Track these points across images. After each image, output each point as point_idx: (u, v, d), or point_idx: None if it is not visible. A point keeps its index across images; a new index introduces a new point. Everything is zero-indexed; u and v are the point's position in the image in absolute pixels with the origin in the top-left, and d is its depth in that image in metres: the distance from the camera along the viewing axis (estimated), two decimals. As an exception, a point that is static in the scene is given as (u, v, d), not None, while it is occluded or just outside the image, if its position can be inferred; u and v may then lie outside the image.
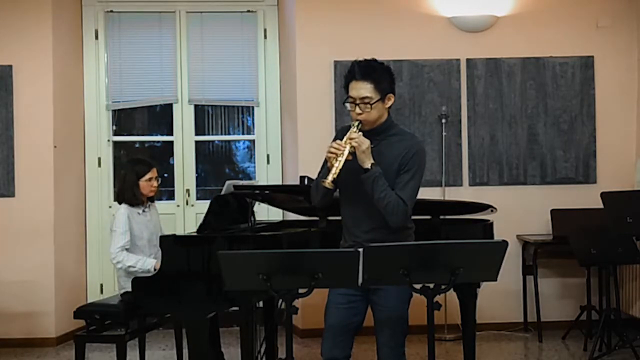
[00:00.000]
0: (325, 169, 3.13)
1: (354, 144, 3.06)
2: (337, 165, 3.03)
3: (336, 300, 3.21)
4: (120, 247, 4.45)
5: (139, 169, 4.60)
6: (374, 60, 3.19)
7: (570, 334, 5.81)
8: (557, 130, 6.21)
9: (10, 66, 5.98)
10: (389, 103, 3.20)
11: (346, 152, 3.05)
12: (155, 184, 4.64)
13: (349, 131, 3.12)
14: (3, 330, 5.90)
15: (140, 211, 4.63)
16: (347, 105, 3.18)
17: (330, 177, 3.03)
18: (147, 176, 4.60)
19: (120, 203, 4.62)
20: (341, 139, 3.11)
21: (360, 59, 3.20)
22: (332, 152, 3.05)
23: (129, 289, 4.32)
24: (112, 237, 4.52)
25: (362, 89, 3.12)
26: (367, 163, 3.08)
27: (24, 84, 5.99)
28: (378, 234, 3.14)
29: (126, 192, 4.57)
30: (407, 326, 3.24)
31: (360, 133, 3.10)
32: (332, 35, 6.13)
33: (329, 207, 3.38)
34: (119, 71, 6.58)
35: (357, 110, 3.13)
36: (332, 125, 6.04)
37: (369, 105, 3.12)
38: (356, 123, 3.12)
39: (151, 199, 4.74)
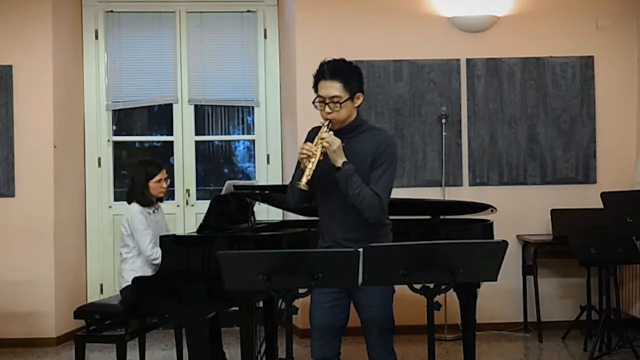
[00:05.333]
0: (299, 171, 3.15)
1: (324, 144, 3.08)
2: (310, 167, 3.05)
3: (320, 300, 3.23)
4: (150, 243, 4.49)
5: (149, 170, 4.66)
6: (343, 60, 3.23)
7: (570, 334, 5.81)
8: (557, 130, 6.21)
9: (10, 66, 5.98)
10: (358, 102, 3.22)
11: (318, 153, 3.06)
12: (164, 185, 4.72)
13: (320, 131, 3.13)
14: (3, 330, 5.90)
15: (151, 211, 4.69)
16: (317, 104, 3.20)
17: (304, 179, 3.04)
18: (157, 177, 4.66)
19: (129, 202, 4.66)
20: (312, 140, 3.13)
21: (329, 59, 3.22)
22: (303, 154, 3.07)
23: (129, 284, 4.35)
24: (135, 237, 4.53)
25: (331, 87, 3.14)
26: (339, 162, 3.09)
27: (24, 84, 5.99)
28: (355, 233, 3.16)
29: (136, 193, 4.63)
30: (393, 324, 3.25)
31: (331, 132, 3.12)
32: (332, 35, 6.13)
33: (307, 206, 3.39)
34: (119, 71, 6.58)
35: (327, 109, 3.16)
36: (332, 125, 6.03)
37: (338, 105, 3.14)
38: (326, 122, 3.15)
39: (159, 199, 4.80)
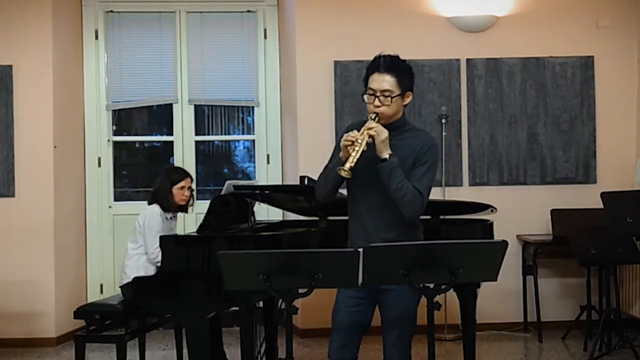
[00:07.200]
0: (336, 160, 3.08)
1: (372, 133, 3.02)
2: (354, 155, 2.98)
3: (345, 303, 3.19)
4: (158, 247, 4.49)
5: (173, 177, 4.80)
6: (398, 57, 3.19)
7: (570, 334, 5.81)
8: (557, 130, 6.21)
9: (10, 66, 5.98)
10: (407, 100, 3.18)
11: (363, 142, 3.00)
12: (187, 193, 4.82)
13: (367, 121, 3.07)
14: (3, 330, 5.90)
15: (169, 217, 4.77)
16: (365, 97, 3.15)
17: (347, 165, 2.96)
18: (180, 184, 4.78)
19: (150, 204, 4.74)
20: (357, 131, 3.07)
21: (385, 53, 3.18)
22: (348, 140, 3.00)
23: (130, 280, 4.36)
24: (145, 236, 4.61)
25: (385, 81, 3.10)
26: (385, 153, 3.04)
27: (24, 84, 5.99)
28: (391, 231, 3.11)
29: (160, 196, 4.73)
30: (415, 326, 3.22)
31: (379, 124, 3.07)
32: (332, 35, 6.13)
33: (332, 202, 3.35)
34: (119, 71, 6.58)
35: (376, 102, 3.11)
36: (332, 125, 6.04)
37: (389, 99, 3.10)
38: (373, 115, 3.09)
39: (183, 209, 4.89)
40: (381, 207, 3.12)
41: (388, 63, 3.13)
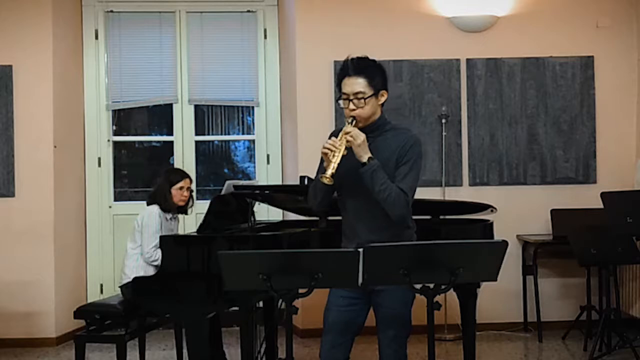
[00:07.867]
0: (322, 168, 3.09)
1: (348, 138, 3.02)
2: (335, 160, 2.98)
3: (337, 302, 3.18)
4: (154, 246, 4.56)
5: (172, 177, 4.84)
6: (367, 58, 3.19)
7: (570, 334, 5.81)
8: (557, 130, 6.21)
9: (10, 66, 5.98)
10: (382, 99, 3.18)
11: (342, 148, 3.01)
12: (185, 193, 4.85)
13: (344, 127, 3.09)
14: (3, 330, 5.90)
15: (169, 217, 4.79)
16: (341, 102, 3.16)
17: (329, 172, 2.97)
18: (179, 185, 4.81)
19: (149, 204, 4.77)
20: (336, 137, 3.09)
21: (353, 56, 3.18)
22: (327, 148, 3.01)
23: (129, 280, 4.37)
24: (142, 235, 4.64)
25: (356, 84, 3.11)
26: (365, 157, 3.04)
27: (24, 84, 5.99)
28: (380, 234, 3.10)
29: (159, 196, 4.76)
30: (410, 327, 3.21)
31: (355, 128, 3.08)
32: (332, 35, 6.13)
33: (327, 210, 3.34)
34: (119, 71, 6.58)
35: (351, 106, 3.11)
36: (332, 125, 6.03)
37: (362, 100, 3.10)
38: (350, 119, 3.10)
39: (182, 211, 4.91)
40: (369, 210, 3.12)
41: (356, 65, 3.14)
